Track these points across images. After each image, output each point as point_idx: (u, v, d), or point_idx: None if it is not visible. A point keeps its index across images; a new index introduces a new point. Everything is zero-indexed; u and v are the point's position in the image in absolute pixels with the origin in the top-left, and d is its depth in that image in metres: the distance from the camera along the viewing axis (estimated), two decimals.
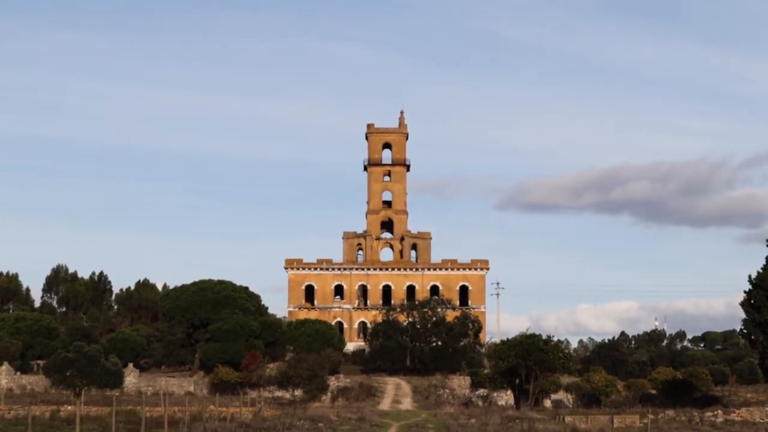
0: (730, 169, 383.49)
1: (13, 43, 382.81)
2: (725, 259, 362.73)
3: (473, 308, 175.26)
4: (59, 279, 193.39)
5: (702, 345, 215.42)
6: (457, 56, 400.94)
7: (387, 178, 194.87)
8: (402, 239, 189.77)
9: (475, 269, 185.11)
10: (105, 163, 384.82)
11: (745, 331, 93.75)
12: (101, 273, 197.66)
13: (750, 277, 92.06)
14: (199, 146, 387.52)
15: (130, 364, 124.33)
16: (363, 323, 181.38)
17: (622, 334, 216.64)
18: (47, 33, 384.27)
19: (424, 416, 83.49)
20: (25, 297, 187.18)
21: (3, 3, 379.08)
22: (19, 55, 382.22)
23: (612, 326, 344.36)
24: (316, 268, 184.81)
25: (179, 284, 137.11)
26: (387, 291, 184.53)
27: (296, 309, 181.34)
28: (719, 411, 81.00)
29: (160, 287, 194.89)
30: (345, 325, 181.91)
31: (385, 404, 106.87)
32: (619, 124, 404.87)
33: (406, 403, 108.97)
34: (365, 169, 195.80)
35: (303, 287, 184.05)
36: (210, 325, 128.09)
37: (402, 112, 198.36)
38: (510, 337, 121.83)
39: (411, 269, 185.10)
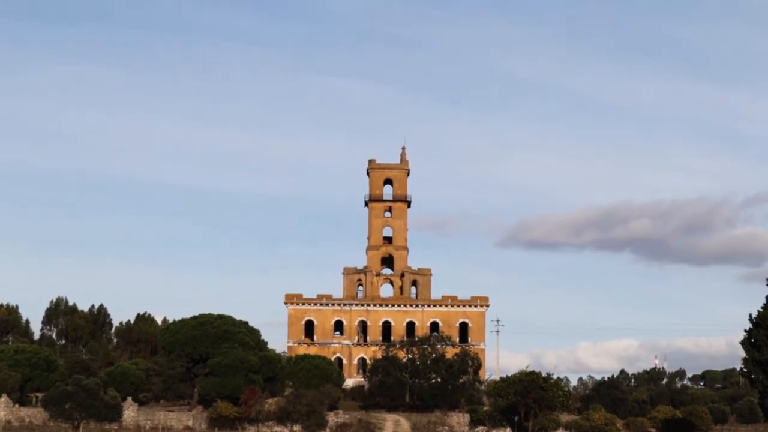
0: (731, 207, 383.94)
1: (14, 75, 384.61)
2: (726, 298, 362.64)
3: (473, 345, 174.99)
4: (59, 311, 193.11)
5: (702, 383, 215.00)
6: (458, 93, 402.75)
7: (388, 214, 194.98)
8: (402, 275, 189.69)
9: (475, 306, 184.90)
10: (106, 195, 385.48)
11: (745, 370, 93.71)
12: (101, 306, 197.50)
13: (750, 316, 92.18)
14: (200, 180, 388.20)
15: (129, 398, 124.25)
16: (362, 359, 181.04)
17: (622, 372, 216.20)
18: (49, 64, 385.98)
19: None
20: (25, 329, 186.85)
21: (4, 35, 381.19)
22: (21, 86, 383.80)
23: (612, 364, 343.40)
24: (315, 304, 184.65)
25: (179, 318, 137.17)
26: (387, 327, 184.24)
27: (296, 344, 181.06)
28: None
29: (159, 321, 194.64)
30: (344, 361, 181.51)
31: None
32: (620, 161, 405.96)
33: None
34: (366, 204, 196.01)
35: (303, 322, 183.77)
36: (209, 359, 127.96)
37: (403, 148, 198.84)
38: (509, 375, 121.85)
39: (411, 305, 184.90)
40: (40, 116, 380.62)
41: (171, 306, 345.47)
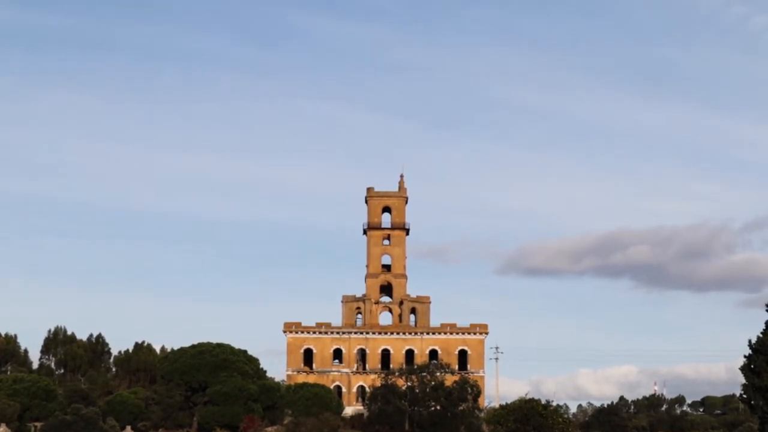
0: (730, 233, 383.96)
1: (15, 104, 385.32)
2: (725, 324, 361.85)
3: (472, 372, 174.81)
4: (57, 341, 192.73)
5: (701, 410, 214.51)
6: (456, 119, 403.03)
7: (386, 242, 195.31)
8: (401, 303, 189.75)
9: (475, 333, 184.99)
10: (104, 224, 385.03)
11: (745, 396, 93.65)
12: (99, 335, 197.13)
13: (750, 341, 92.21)
14: (198, 208, 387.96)
15: (128, 427, 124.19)
16: (362, 387, 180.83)
17: (622, 398, 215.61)
18: (49, 93, 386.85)
19: None
20: (23, 358, 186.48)
21: (5, 63, 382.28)
22: (20, 115, 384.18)
23: (611, 391, 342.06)
24: (314, 332, 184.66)
25: (177, 347, 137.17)
26: (386, 355, 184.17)
27: (295, 372, 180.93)
28: None
29: (158, 349, 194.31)
30: (344, 389, 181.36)
31: None
32: (619, 188, 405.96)
33: None
34: (365, 232, 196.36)
35: (302, 351, 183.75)
36: (208, 388, 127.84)
37: (402, 176, 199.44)
38: (509, 402, 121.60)
39: (410, 333, 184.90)
40: (36, 145, 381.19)
41: (169, 335, 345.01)
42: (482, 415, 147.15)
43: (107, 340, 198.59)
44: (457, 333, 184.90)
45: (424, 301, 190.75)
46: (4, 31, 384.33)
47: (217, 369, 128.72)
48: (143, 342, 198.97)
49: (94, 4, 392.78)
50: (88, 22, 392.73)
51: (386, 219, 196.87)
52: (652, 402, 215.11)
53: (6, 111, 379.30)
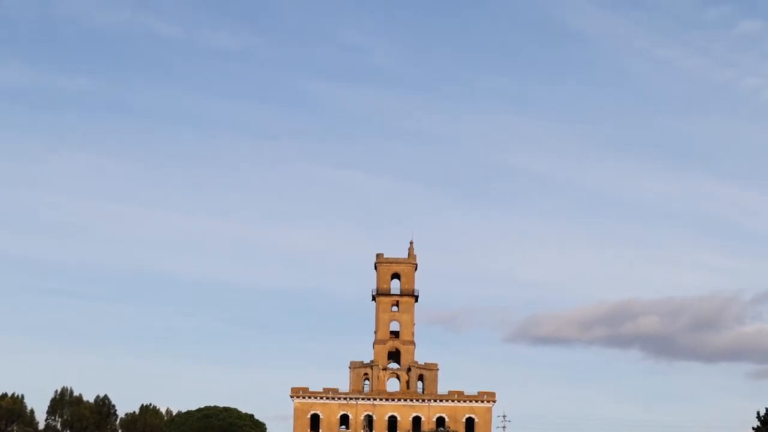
0: (740, 304, 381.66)
1: (27, 165, 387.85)
2: (735, 395, 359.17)
3: None
4: (64, 401, 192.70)
5: None
6: (467, 187, 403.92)
7: (395, 309, 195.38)
8: (409, 370, 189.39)
9: (482, 401, 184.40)
10: (112, 286, 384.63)
11: None
12: (105, 396, 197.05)
13: (758, 413, 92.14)
14: (207, 271, 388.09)
15: None
16: None
17: None
18: (62, 156, 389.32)
19: None
20: (30, 419, 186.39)
21: (17, 124, 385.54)
22: (34, 176, 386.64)
23: None
24: (322, 397, 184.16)
25: (184, 410, 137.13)
26: (393, 422, 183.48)
27: None
28: None
29: (164, 412, 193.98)
30: None
31: None
32: (629, 258, 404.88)
33: None
34: (373, 298, 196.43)
35: (308, 416, 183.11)
36: None
37: (411, 243, 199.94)
38: None
39: (417, 400, 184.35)
40: (41, 205, 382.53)
41: (176, 397, 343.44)
42: None
43: (113, 402, 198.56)
44: (465, 400, 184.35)
45: (432, 368, 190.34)
46: (17, 93, 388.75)
47: None
48: (149, 404, 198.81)
49: (107, 67, 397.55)
50: (102, 85, 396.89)
51: (395, 285, 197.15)
52: None
53: (20, 172, 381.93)
